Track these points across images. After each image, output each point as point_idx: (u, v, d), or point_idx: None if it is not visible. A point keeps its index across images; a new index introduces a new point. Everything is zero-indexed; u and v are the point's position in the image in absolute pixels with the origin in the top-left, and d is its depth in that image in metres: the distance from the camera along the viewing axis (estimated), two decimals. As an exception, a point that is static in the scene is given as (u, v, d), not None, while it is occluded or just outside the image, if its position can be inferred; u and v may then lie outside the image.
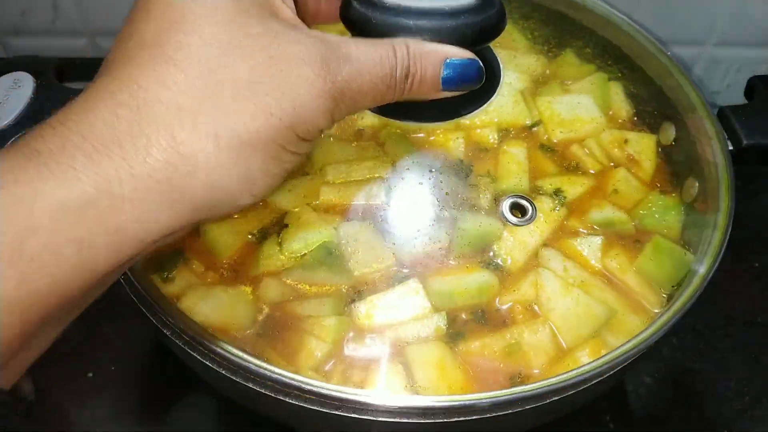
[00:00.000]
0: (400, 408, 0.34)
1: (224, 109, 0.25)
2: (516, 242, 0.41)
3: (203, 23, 0.26)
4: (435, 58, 0.31)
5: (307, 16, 0.37)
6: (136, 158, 0.24)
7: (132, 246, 0.25)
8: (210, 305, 0.38)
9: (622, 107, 0.49)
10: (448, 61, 0.31)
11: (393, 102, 0.31)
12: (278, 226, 0.40)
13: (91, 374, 0.51)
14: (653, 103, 0.49)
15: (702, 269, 0.39)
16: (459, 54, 0.31)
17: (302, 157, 0.29)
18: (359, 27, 0.34)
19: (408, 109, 0.33)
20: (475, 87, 0.33)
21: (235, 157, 0.26)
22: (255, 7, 0.27)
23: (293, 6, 0.30)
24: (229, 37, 0.26)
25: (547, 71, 0.50)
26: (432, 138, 0.43)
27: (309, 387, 0.33)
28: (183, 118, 0.25)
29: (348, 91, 0.28)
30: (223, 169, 0.26)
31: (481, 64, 0.32)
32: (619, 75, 0.51)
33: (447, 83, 0.31)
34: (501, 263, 0.40)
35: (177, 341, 0.36)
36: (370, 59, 0.29)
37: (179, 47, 0.26)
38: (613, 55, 0.52)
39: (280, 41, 0.27)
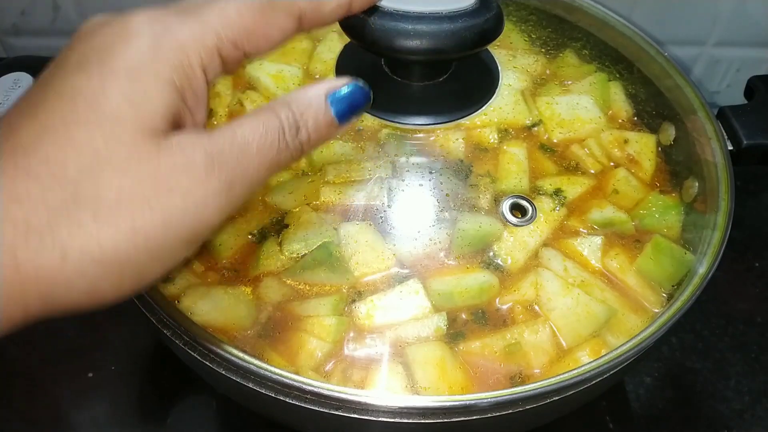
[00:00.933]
0: (400, 408, 0.34)
1: (80, 228, 0.24)
2: (516, 242, 0.41)
3: (82, 134, 0.24)
4: (317, 97, 0.30)
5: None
6: None
7: None
8: (210, 305, 0.38)
9: (622, 107, 0.49)
10: (332, 96, 0.30)
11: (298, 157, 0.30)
12: (278, 226, 0.41)
13: (91, 374, 0.51)
14: (653, 104, 0.49)
15: (702, 269, 0.39)
16: (336, 83, 0.30)
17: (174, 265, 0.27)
18: (358, 32, 0.34)
19: (406, 113, 0.33)
20: (368, 108, 0.32)
21: (82, 276, 0.25)
22: (153, 122, 0.25)
23: (203, 113, 0.28)
24: (108, 152, 0.24)
25: (547, 71, 0.50)
26: (432, 138, 0.43)
27: (309, 387, 0.33)
28: (30, 236, 0.24)
29: (238, 178, 0.27)
30: (66, 286, 0.25)
31: (362, 83, 0.31)
32: (618, 76, 0.51)
33: (341, 117, 0.30)
34: (501, 263, 0.40)
35: (177, 341, 0.36)
36: (256, 132, 0.28)
37: (46, 159, 0.24)
38: (611, 56, 0.52)
39: (161, 155, 0.25)
